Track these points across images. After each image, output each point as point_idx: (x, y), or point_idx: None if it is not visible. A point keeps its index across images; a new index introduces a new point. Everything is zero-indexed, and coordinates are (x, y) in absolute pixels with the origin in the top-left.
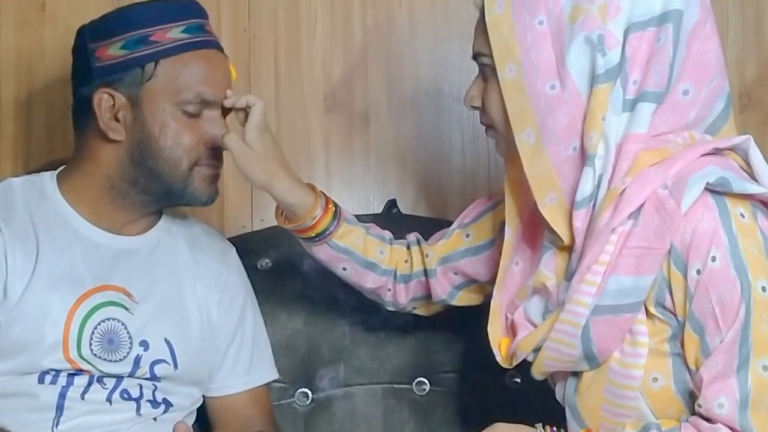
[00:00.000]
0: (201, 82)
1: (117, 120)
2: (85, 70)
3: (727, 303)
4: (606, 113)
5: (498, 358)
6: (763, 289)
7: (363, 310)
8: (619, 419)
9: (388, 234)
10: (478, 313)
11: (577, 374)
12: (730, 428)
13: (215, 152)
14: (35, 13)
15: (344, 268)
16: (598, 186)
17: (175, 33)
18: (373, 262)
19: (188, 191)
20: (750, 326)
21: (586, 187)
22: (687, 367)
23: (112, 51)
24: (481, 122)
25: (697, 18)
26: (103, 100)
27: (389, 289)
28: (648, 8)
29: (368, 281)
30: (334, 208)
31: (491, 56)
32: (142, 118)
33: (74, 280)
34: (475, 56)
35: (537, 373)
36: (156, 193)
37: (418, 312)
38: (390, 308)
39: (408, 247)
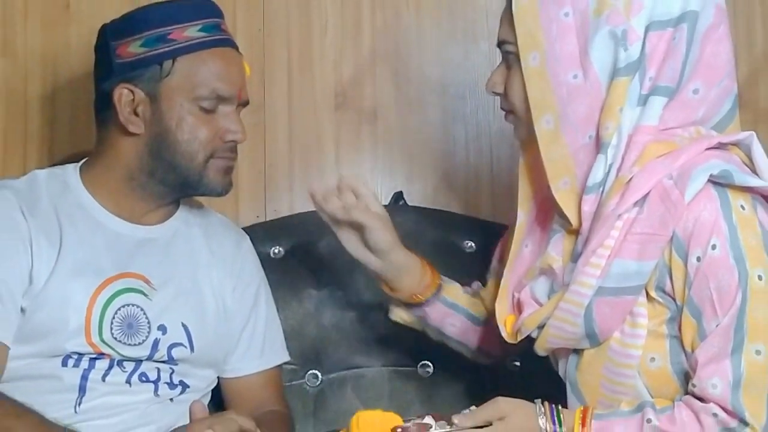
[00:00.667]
0: (216, 79)
1: (136, 114)
2: (107, 66)
3: (725, 290)
4: (623, 105)
5: (503, 334)
6: (760, 277)
7: (369, 296)
8: (617, 396)
9: (475, 284)
10: None
11: (578, 352)
12: (722, 408)
13: (229, 145)
14: (60, 12)
15: (452, 324)
16: (608, 174)
17: (191, 32)
18: (474, 314)
19: (204, 182)
20: (745, 312)
21: (597, 174)
22: (683, 350)
23: (132, 48)
24: (502, 107)
25: (712, 21)
26: (123, 95)
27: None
28: (668, 8)
29: (473, 334)
30: (432, 270)
31: (516, 44)
32: (160, 112)
33: (96, 268)
34: (500, 44)
35: (540, 349)
36: (173, 183)
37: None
38: (490, 361)
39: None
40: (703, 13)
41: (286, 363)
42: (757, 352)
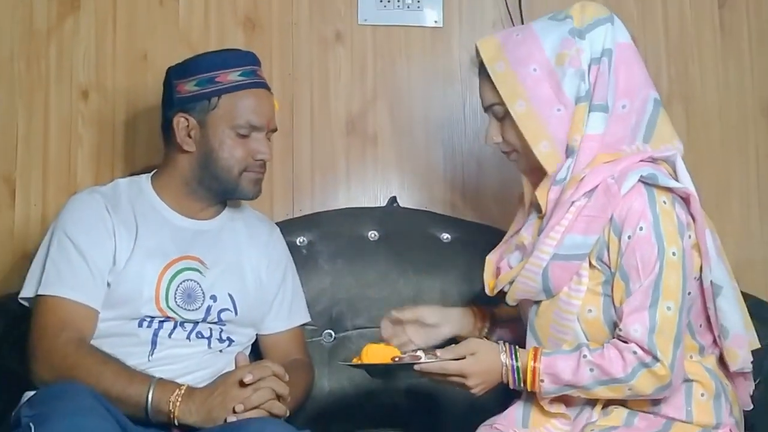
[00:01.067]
0: (250, 113)
1: (190, 136)
2: (169, 99)
3: (647, 260)
4: (583, 122)
5: (486, 291)
6: (674, 253)
7: (371, 276)
8: (561, 336)
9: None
10: (457, 279)
11: (537, 302)
12: (641, 347)
13: (259, 163)
14: (139, 60)
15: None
16: (569, 172)
17: (233, 76)
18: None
19: (238, 189)
20: (661, 278)
21: (563, 172)
22: (613, 305)
23: (188, 87)
24: (503, 151)
25: (621, 53)
26: (180, 122)
27: None
28: (595, 48)
29: None
30: (480, 310)
31: (502, 103)
32: (207, 136)
33: (163, 252)
34: (488, 107)
35: (510, 299)
36: (216, 189)
37: None
38: None
39: None
40: (615, 49)
41: (307, 324)
42: (668, 308)
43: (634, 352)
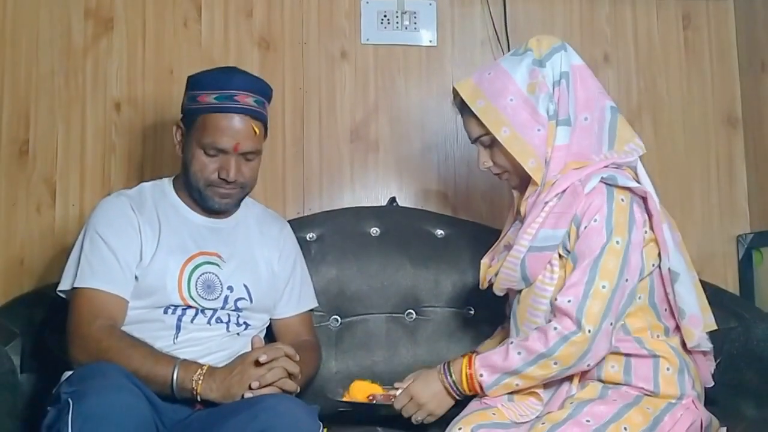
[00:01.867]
0: (216, 135)
1: (179, 144)
2: (181, 109)
3: (593, 246)
4: (554, 136)
5: (480, 285)
6: (618, 242)
7: (373, 267)
8: (534, 319)
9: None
10: (450, 270)
11: (520, 292)
12: (568, 316)
13: (221, 181)
14: (166, 75)
15: None
16: (544, 179)
17: (210, 98)
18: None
19: (205, 202)
20: (601, 259)
21: (539, 180)
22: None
23: (186, 101)
24: (494, 173)
25: (575, 73)
26: (175, 130)
27: None
28: (555, 71)
29: None
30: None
31: (488, 133)
32: (186, 148)
33: (184, 248)
34: (476, 139)
35: (497, 289)
36: (194, 197)
37: None
38: None
39: None
40: (570, 71)
41: (316, 309)
42: (603, 287)
43: (555, 328)
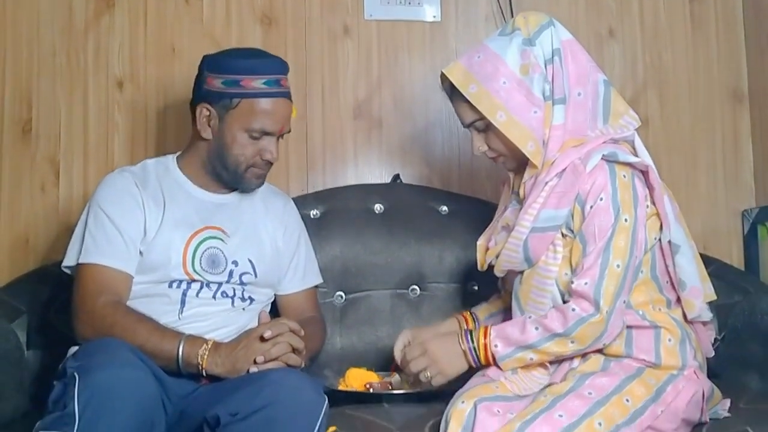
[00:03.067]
0: (265, 120)
1: (209, 125)
2: (199, 89)
3: (604, 226)
4: (551, 116)
5: (478, 267)
6: (626, 220)
7: (377, 244)
8: (540, 299)
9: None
10: (453, 246)
11: (521, 273)
12: (585, 298)
13: (265, 162)
14: (168, 53)
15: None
16: (543, 158)
17: (257, 83)
18: (502, 309)
19: (242, 182)
20: (612, 240)
21: (538, 160)
22: (570, 265)
23: (216, 82)
24: (491, 157)
25: (566, 49)
26: (202, 111)
27: None
28: (546, 50)
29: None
30: (465, 315)
31: (482, 117)
32: (223, 131)
33: (188, 223)
34: (469, 125)
35: (497, 270)
36: (224, 178)
37: None
38: None
39: None
40: (561, 47)
41: (320, 286)
42: (617, 266)
43: (573, 309)
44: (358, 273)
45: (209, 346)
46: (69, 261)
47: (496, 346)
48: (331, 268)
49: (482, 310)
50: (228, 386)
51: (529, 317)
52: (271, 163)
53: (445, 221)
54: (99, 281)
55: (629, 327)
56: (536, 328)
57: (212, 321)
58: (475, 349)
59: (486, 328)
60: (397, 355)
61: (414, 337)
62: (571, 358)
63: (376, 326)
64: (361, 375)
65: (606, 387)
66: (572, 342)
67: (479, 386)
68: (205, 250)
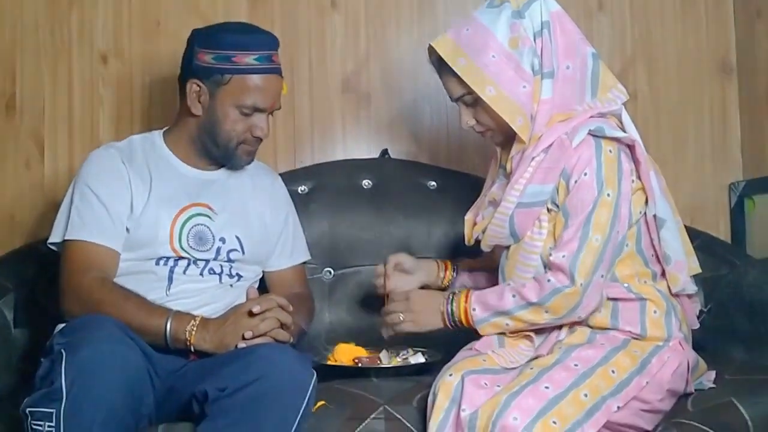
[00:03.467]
0: (257, 96)
1: (199, 102)
2: (188, 63)
3: (586, 201)
4: (539, 91)
5: (465, 242)
6: (608, 195)
7: (365, 220)
8: (525, 275)
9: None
10: (442, 222)
11: (508, 248)
12: (561, 270)
13: (255, 139)
14: (153, 27)
15: (480, 281)
16: (531, 134)
17: (249, 59)
18: (486, 268)
19: (233, 159)
20: (593, 214)
21: (525, 136)
22: (553, 238)
23: (207, 58)
24: (478, 131)
25: (555, 21)
26: (192, 87)
27: None
28: (535, 23)
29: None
30: (446, 263)
31: (470, 92)
32: (214, 107)
33: (175, 200)
34: (458, 99)
35: (484, 245)
36: (214, 154)
37: None
38: None
39: None
40: (550, 19)
41: (309, 262)
42: (596, 240)
43: (549, 280)
44: (347, 249)
45: (197, 322)
46: (55, 237)
47: (474, 309)
48: (319, 244)
49: (465, 263)
50: (216, 362)
51: (508, 284)
52: (262, 140)
53: (434, 196)
54: (85, 258)
55: (615, 299)
56: (513, 296)
57: (200, 298)
58: (452, 312)
59: (468, 292)
60: (379, 281)
61: (400, 263)
62: (558, 329)
63: (364, 302)
64: (349, 350)
65: (592, 359)
66: (546, 312)
67: (467, 359)
68: (192, 227)
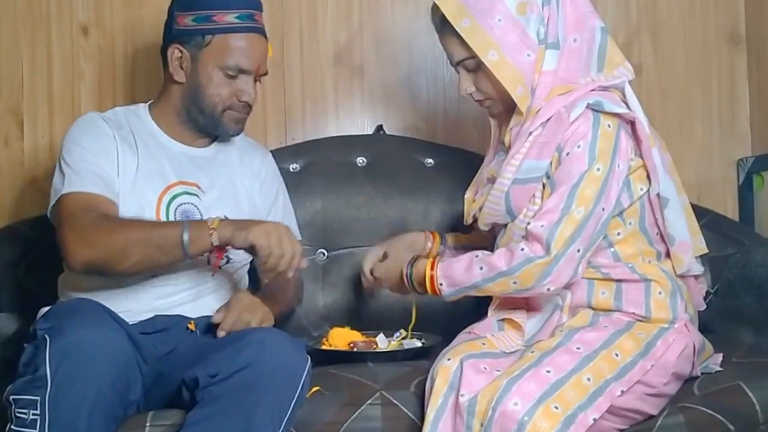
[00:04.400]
0: (240, 56)
1: (182, 68)
2: (169, 29)
3: (573, 172)
4: (542, 62)
5: (465, 221)
6: (598, 169)
7: (360, 199)
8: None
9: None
10: (439, 201)
11: (505, 227)
12: (537, 240)
13: (242, 104)
14: None
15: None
16: (529, 107)
17: (230, 17)
18: (474, 245)
19: (220, 126)
20: (579, 186)
21: (525, 108)
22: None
23: (186, 20)
24: (476, 100)
25: None
26: (174, 53)
27: None
28: None
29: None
30: (434, 235)
31: (473, 56)
32: (197, 71)
33: (162, 176)
34: (458, 63)
35: (481, 224)
36: (201, 123)
37: None
38: None
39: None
40: None
41: (301, 243)
42: (577, 213)
43: (522, 249)
44: (341, 229)
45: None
46: (54, 200)
47: (441, 284)
48: (311, 225)
49: (453, 236)
50: (207, 347)
51: (477, 255)
52: (250, 106)
53: (431, 174)
54: (86, 203)
55: (618, 280)
56: (481, 268)
57: (187, 278)
58: (410, 275)
59: (433, 260)
60: (367, 273)
61: (378, 257)
62: (559, 313)
63: (359, 284)
64: (344, 334)
65: (595, 342)
66: (514, 282)
67: (465, 343)
68: (179, 206)
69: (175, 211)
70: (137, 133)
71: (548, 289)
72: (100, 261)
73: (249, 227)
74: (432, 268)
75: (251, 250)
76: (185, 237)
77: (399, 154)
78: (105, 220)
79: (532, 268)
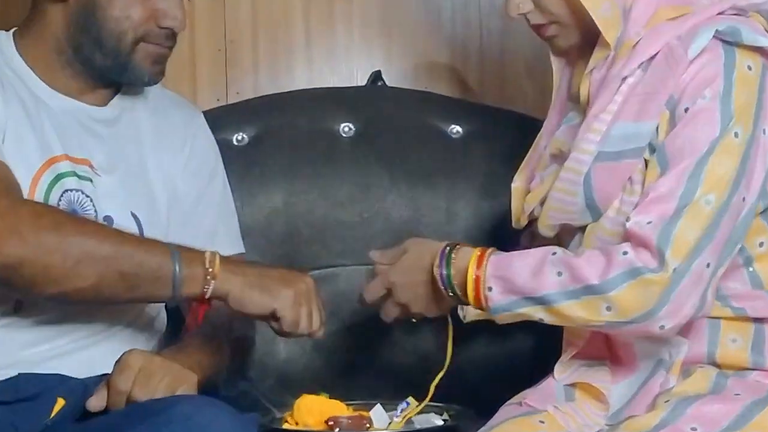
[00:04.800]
0: None
1: None
2: None
3: (699, 140)
4: None
5: (513, 223)
6: (736, 134)
7: (345, 190)
8: None
9: None
10: (471, 192)
11: (582, 231)
12: (645, 246)
13: (165, 32)
14: None
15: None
16: (621, 38)
17: None
18: None
19: (130, 67)
20: (707, 161)
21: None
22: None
23: None
24: (535, 23)
25: None
26: None
27: None
28: None
29: None
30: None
31: None
32: None
33: (40, 144)
34: None
35: (543, 226)
36: (99, 65)
37: None
38: None
39: None
40: None
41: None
42: (707, 202)
43: (625, 253)
44: (314, 238)
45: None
46: None
47: (490, 289)
48: (267, 231)
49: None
50: (117, 420)
51: (554, 253)
52: (175, 36)
53: (458, 150)
54: None
55: (759, 320)
56: (559, 273)
57: (66, 314)
58: (448, 276)
59: (483, 252)
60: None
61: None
62: (664, 373)
63: (342, 322)
64: (319, 404)
65: (720, 418)
66: (608, 308)
67: (514, 421)
68: (63, 194)
69: (59, 201)
70: (3, 78)
71: (661, 327)
72: (29, 268)
73: (271, 289)
74: (478, 265)
75: (266, 317)
76: (177, 269)
77: (406, 118)
78: (42, 209)
79: (637, 287)
